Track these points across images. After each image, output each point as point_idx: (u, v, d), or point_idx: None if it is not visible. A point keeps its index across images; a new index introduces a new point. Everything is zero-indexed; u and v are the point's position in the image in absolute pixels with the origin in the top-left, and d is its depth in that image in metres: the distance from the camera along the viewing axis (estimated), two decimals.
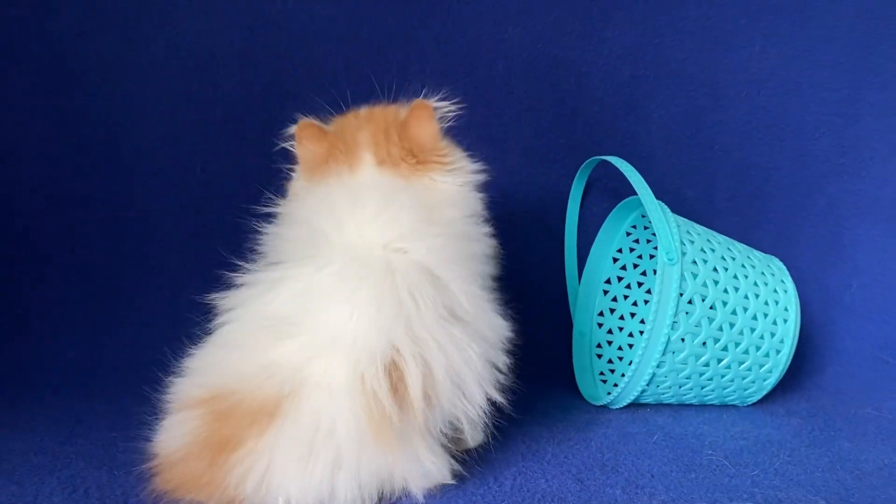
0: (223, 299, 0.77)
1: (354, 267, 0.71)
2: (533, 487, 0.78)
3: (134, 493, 0.75)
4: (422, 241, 0.74)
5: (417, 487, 0.73)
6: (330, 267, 0.71)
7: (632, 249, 1.22)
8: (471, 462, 0.81)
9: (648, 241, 1.21)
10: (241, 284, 0.77)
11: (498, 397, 0.77)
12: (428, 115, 0.82)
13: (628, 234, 1.21)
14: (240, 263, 0.81)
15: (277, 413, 0.67)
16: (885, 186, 1.33)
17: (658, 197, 1.04)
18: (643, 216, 1.17)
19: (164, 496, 0.72)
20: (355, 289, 0.69)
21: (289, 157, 1.25)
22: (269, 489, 0.67)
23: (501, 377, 0.78)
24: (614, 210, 1.19)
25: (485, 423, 0.80)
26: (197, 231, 1.24)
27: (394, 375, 0.69)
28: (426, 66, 1.25)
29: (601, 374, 1.18)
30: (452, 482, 0.76)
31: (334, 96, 1.25)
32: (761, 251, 1.13)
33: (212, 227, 1.23)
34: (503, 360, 0.78)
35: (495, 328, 0.78)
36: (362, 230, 0.74)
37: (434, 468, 0.74)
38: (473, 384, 0.74)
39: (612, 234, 1.21)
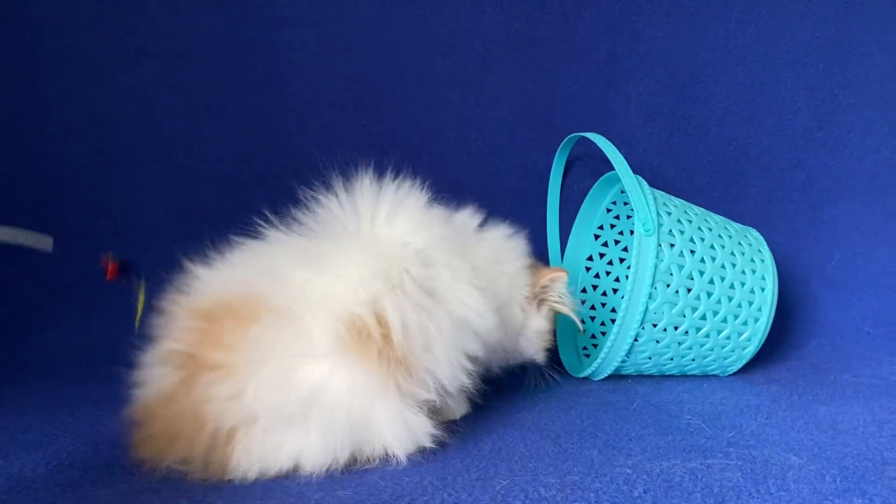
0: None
1: (368, 243, 0.81)
2: (511, 451, 0.79)
3: (118, 465, 0.76)
4: (423, 233, 0.83)
5: (397, 447, 0.74)
6: (350, 242, 0.80)
7: (612, 226, 1.23)
8: (453, 430, 0.82)
9: (629, 217, 1.22)
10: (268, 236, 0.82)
11: (465, 381, 0.81)
12: None
13: (609, 210, 1.22)
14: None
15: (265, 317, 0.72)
16: (863, 159, 1.34)
17: (638, 174, 1.06)
18: (622, 192, 1.19)
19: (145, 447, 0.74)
20: (366, 255, 0.78)
21: (269, 142, 1.26)
22: (244, 409, 0.70)
23: (470, 365, 0.81)
24: (594, 186, 1.20)
25: (468, 395, 0.86)
26: (182, 217, 1.25)
27: (378, 318, 0.74)
28: (405, 46, 1.26)
29: (584, 349, 1.20)
30: (432, 445, 0.77)
31: (313, 83, 1.27)
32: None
33: (197, 212, 1.24)
34: (474, 349, 0.82)
35: (476, 317, 0.82)
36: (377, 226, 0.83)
37: (414, 426, 0.75)
38: (441, 351, 0.77)
39: (592, 211, 1.22)
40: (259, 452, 0.71)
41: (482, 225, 0.95)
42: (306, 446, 0.72)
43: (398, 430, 0.74)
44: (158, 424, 0.73)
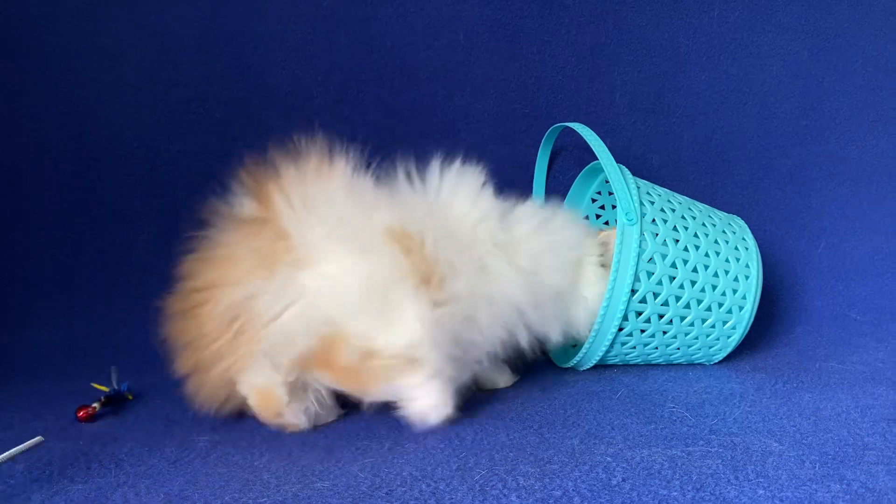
0: None
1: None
2: (493, 441, 0.79)
3: (97, 461, 0.76)
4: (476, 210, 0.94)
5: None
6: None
7: (598, 216, 1.23)
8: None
9: (614, 207, 1.21)
10: None
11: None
12: None
13: (594, 200, 1.22)
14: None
15: None
16: (849, 147, 1.34)
17: (623, 163, 1.05)
18: (607, 182, 1.18)
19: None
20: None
21: (251, 136, 1.26)
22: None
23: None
24: (579, 176, 1.20)
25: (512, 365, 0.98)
26: (163, 210, 1.24)
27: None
28: (387, 40, 1.25)
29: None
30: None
31: (295, 76, 1.26)
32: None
33: (178, 206, 1.23)
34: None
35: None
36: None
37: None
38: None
39: (577, 202, 1.22)
40: None
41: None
42: None
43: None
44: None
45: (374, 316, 0.80)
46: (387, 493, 0.66)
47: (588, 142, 1.05)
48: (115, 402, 0.96)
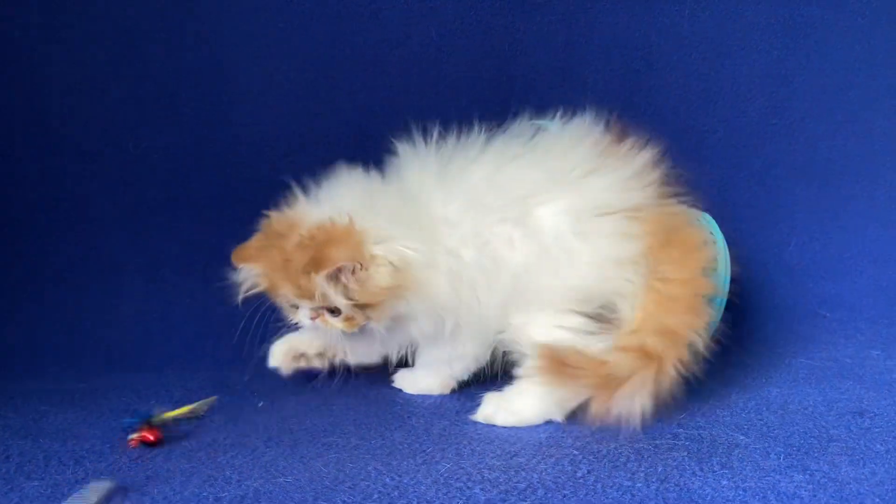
0: None
1: None
2: (461, 435, 0.78)
3: (56, 459, 0.75)
4: None
5: None
6: None
7: None
8: (399, 418, 0.82)
9: None
10: None
11: None
12: None
13: None
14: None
15: None
16: (818, 146, 1.35)
17: None
18: None
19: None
20: None
21: (221, 132, 1.24)
22: None
23: None
24: None
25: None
26: (132, 208, 1.23)
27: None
28: (359, 34, 1.25)
29: None
30: None
31: (266, 72, 1.25)
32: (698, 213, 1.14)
33: (147, 204, 1.22)
34: None
35: None
36: None
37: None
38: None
39: None
40: None
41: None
42: None
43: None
44: None
45: None
46: (350, 488, 0.65)
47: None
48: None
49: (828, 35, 1.33)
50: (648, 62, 1.30)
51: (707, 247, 0.88)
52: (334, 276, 0.80)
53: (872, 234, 1.36)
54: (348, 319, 0.84)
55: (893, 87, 1.37)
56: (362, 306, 0.82)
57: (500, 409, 0.82)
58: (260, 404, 0.92)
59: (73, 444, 0.78)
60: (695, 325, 0.81)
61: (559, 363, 0.77)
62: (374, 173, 0.91)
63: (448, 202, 0.84)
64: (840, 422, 0.80)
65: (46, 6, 1.20)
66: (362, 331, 0.86)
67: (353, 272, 0.80)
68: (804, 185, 1.35)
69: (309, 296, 0.82)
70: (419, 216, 0.84)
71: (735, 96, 1.32)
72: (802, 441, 0.74)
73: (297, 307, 0.86)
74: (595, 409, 0.76)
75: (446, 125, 1.26)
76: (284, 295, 0.85)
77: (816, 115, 1.34)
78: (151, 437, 0.77)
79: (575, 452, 0.72)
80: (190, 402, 0.90)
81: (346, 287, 0.81)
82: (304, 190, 0.89)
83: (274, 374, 0.96)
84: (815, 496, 0.60)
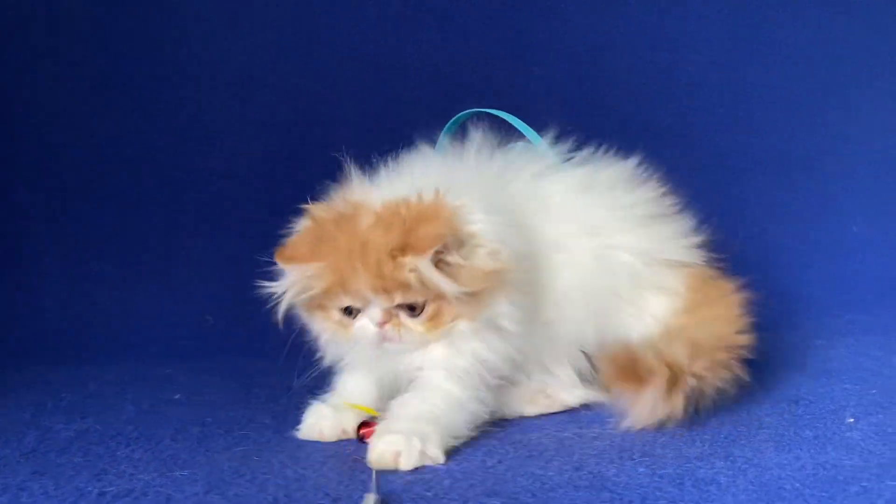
0: None
1: None
2: None
3: None
4: None
5: None
6: None
7: None
8: None
9: None
10: None
11: None
12: None
13: None
14: None
15: None
16: (770, 137, 1.34)
17: None
18: None
19: None
20: None
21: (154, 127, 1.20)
22: None
23: None
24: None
25: None
26: (51, 205, 1.18)
27: None
28: (308, 23, 1.22)
29: None
30: None
31: (208, 60, 1.22)
32: None
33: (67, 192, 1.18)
34: None
35: None
36: None
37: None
38: None
39: None
40: None
41: None
42: None
43: None
44: None
45: None
46: (248, 481, 0.61)
47: (517, 127, 1.00)
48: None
49: (781, 26, 1.33)
50: (602, 52, 1.28)
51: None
52: (437, 258, 0.65)
53: (823, 226, 1.35)
54: (433, 318, 0.68)
55: (847, 79, 1.36)
56: (466, 295, 0.67)
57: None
58: (177, 396, 0.88)
59: None
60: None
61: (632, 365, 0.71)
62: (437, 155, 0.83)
63: (532, 211, 0.78)
64: (774, 409, 0.77)
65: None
66: (446, 334, 0.69)
67: (457, 251, 0.66)
68: (755, 177, 1.34)
69: (392, 287, 0.66)
70: (503, 199, 0.75)
71: (688, 87, 1.31)
72: (732, 429, 0.71)
73: (360, 311, 0.69)
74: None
75: (394, 113, 1.24)
76: (356, 291, 0.67)
77: (769, 107, 1.34)
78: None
79: (494, 443, 0.69)
80: (103, 396, 0.87)
81: (451, 269, 0.66)
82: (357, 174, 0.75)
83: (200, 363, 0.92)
84: (733, 482, 0.57)
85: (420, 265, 0.64)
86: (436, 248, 0.64)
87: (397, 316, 0.68)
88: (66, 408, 0.84)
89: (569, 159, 0.86)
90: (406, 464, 0.62)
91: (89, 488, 0.60)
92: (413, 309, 0.68)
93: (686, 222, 0.87)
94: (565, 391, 0.79)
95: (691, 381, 0.72)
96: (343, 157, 0.75)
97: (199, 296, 1.15)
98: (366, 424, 0.69)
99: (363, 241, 0.65)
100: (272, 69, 1.24)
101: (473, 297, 0.67)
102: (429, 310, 0.68)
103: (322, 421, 0.71)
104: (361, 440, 0.68)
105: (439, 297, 0.67)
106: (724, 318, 0.81)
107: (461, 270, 0.66)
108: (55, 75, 1.19)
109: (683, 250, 0.84)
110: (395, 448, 0.62)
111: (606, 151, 0.87)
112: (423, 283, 0.65)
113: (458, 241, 0.66)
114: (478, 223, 0.68)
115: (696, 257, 0.85)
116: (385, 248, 0.65)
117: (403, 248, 0.65)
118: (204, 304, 1.14)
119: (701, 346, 0.75)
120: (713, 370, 0.74)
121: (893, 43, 1.34)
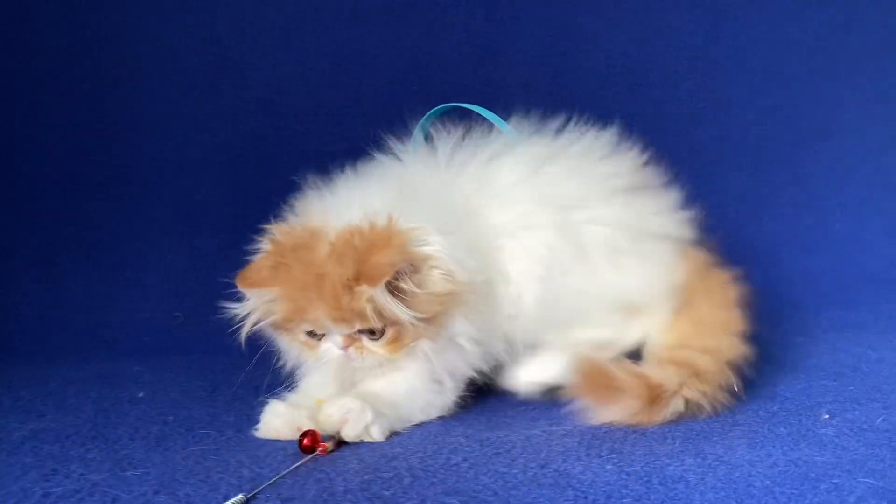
0: None
1: None
2: None
3: None
4: None
5: None
6: None
7: None
8: None
9: None
10: None
11: None
12: None
13: None
14: None
15: None
16: (747, 131, 1.33)
17: None
18: None
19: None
20: None
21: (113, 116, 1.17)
22: None
23: None
24: None
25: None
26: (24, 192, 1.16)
27: None
28: (273, 11, 1.20)
29: None
30: None
31: (173, 47, 1.19)
32: None
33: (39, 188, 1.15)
34: None
35: None
36: None
37: None
38: None
39: None
40: None
41: None
42: None
43: None
44: None
45: None
46: (201, 480, 0.59)
47: (489, 119, 0.98)
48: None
49: (755, 18, 1.31)
50: (574, 43, 1.27)
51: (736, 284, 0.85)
52: (392, 285, 0.66)
53: (801, 222, 1.34)
54: (394, 342, 0.69)
55: (823, 72, 1.35)
56: (423, 320, 0.67)
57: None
58: (140, 395, 0.85)
59: None
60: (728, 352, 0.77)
61: (603, 379, 0.70)
62: (397, 165, 0.80)
63: (486, 200, 0.76)
64: (749, 406, 0.76)
65: None
66: (408, 355, 0.70)
67: (410, 277, 0.67)
68: (731, 171, 1.33)
69: (350, 317, 0.66)
70: (458, 213, 0.74)
71: (662, 80, 1.30)
72: (704, 426, 0.70)
73: (323, 336, 0.70)
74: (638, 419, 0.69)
75: (360, 107, 1.22)
76: (314, 320, 0.68)
77: (745, 100, 1.32)
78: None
79: (462, 440, 0.67)
80: (64, 394, 0.84)
81: (405, 296, 0.66)
82: (316, 190, 0.75)
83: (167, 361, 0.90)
84: (702, 479, 0.55)
85: (374, 294, 0.65)
86: (388, 278, 0.65)
87: (359, 339, 0.69)
88: (24, 406, 0.82)
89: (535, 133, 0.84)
90: (349, 432, 0.65)
91: (35, 489, 0.58)
92: (374, 333, 0.69)
93: (673, 196, 0.85)
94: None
95: (677, 403, 0.70)
96: (301, 178, 0.76)
97: (168, 294, 1.13)
98: (310, 435, 0.65)
99: (319, 272, 0.66)
100: (245, 65, 1.21)
101: (431, 320, 0.68)
102: (389, 333, 0.69)
103: (276, 419, 0.69)
104: (306, 451, 0.64)
105: (397, 321, 0.67)
106: (725, 327, 0.80)
107: (416, 296, 0.67)
108: (24, 70, 1.16)
109: (672, 224, 0.82)
110: (345, 413, 0.65)
111: (584, 124, 0.86)
112: (380, 311, 0.66)
113: (411, 266, 0.67)
114: (433, 244, 0.68)
115: (687, 231, 0.83)
116: (340, 280, 0.66)
117: (358, 278, 0.66)
118: (173, 302, 1.11)
119: (699, 372, 0.73)
120: (708, 396, 0.72)
121: (873, 38, 1.33)
